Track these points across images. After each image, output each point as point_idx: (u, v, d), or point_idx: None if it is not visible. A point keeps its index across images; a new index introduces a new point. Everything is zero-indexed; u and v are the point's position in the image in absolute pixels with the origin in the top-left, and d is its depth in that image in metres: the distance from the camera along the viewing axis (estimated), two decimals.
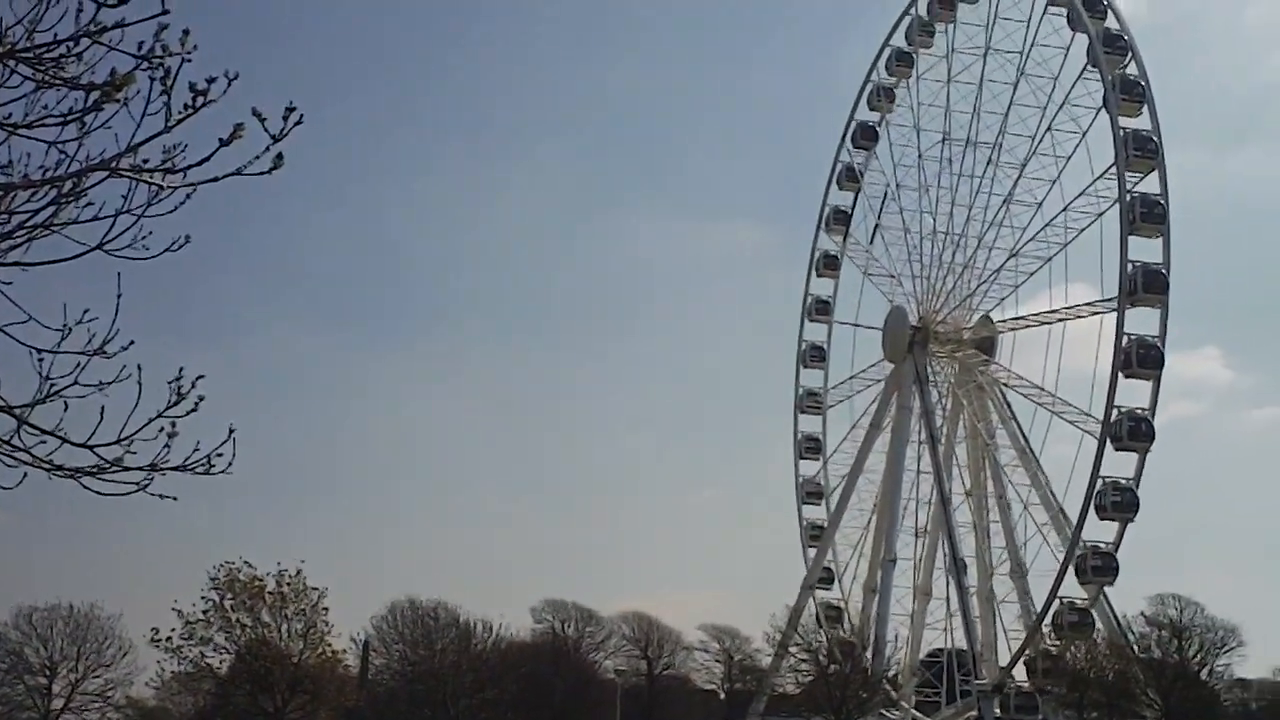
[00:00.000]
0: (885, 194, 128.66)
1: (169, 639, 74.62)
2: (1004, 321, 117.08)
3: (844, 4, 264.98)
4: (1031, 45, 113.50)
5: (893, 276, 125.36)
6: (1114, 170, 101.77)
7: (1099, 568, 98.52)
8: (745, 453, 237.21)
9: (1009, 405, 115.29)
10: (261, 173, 9.78)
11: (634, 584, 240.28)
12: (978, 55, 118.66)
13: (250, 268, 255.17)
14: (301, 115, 9.64)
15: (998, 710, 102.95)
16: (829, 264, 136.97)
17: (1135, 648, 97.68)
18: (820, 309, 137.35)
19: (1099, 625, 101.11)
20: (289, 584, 76.42)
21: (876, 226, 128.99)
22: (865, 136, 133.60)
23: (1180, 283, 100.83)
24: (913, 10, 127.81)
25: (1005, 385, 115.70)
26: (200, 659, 76.45)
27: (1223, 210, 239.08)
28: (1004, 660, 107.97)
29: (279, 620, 76.29)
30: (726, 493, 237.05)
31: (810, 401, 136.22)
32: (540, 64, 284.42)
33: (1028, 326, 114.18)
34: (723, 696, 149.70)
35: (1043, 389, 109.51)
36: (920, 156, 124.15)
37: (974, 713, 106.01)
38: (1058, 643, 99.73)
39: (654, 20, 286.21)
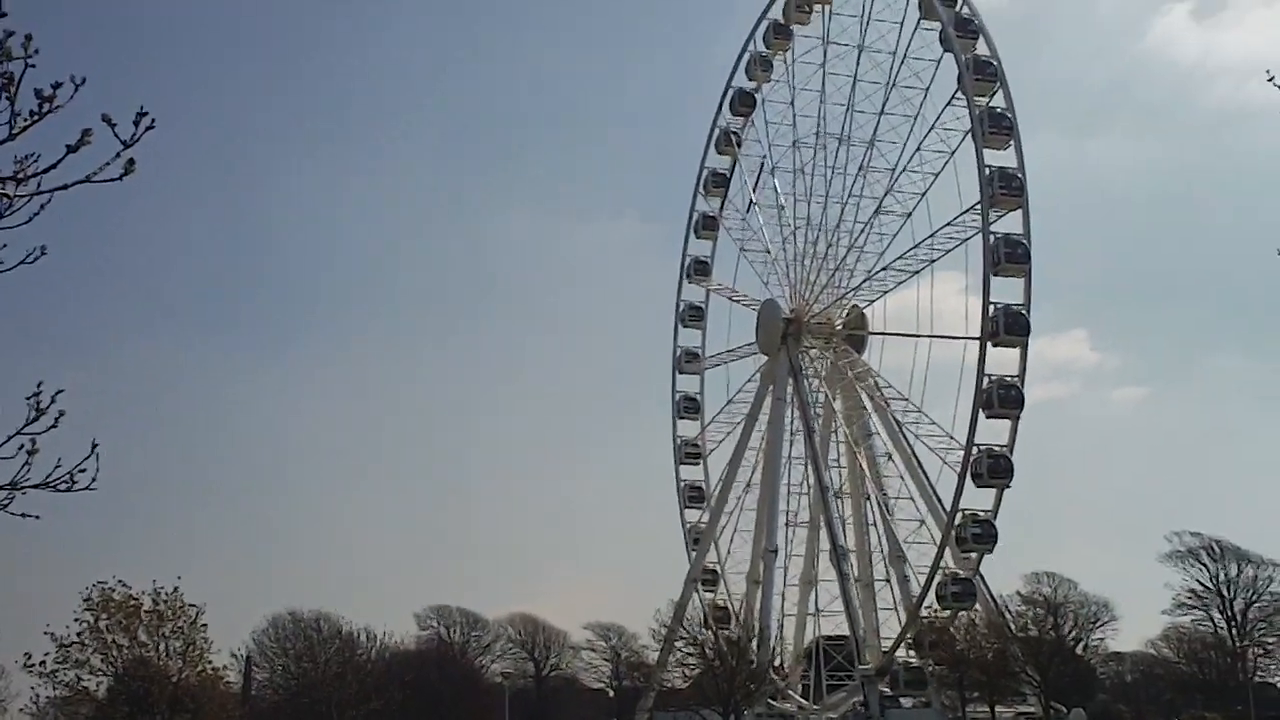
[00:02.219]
0: (760, 168, 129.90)
1: (42, 663, 72.56)
2: (873, 281, 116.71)
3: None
4: (868, 23, 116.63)
5: (767, 251, 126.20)
6: (961, 99, 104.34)
7: (979, 535, 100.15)
8: (626, 451, 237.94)
9: (881, 391, 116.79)
10: (113, 179, 9.57)
11: (518, 587, 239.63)
12: (852, 48, 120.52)
13: (111, 278, 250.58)
14: (153, 120, 9.45)
15: (887, 689, 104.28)
16: (694, 314, 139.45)
17: (1012, 626, 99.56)
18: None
19: (978, 608, 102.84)
20: (165, 602, 74.75)
21: (741, 251, 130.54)
22: (718, 182, 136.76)
23: (1048, 267, 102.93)
24: (751, 47, 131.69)
25: (876, 381, 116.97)
26: (76, 682, 74.38)
27: (1084, 195, 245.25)
28: (887, 645, 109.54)
29: (156, 639, 74.56)
30: (608, 492, 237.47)
31: (689, 450, 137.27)
32: (404, 60, 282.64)
33: (899, 283, 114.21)
34: (611, 694, 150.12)
35: (913, 370, 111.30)
36: (774, 172, 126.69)
37: (859, 697, 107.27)
38: (943, 615, 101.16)
39: (521, 14, 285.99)
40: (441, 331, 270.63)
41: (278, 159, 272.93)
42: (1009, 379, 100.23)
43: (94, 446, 11.25)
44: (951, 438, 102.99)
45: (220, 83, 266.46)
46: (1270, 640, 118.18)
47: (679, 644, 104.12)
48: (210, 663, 77.73)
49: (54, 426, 10.89)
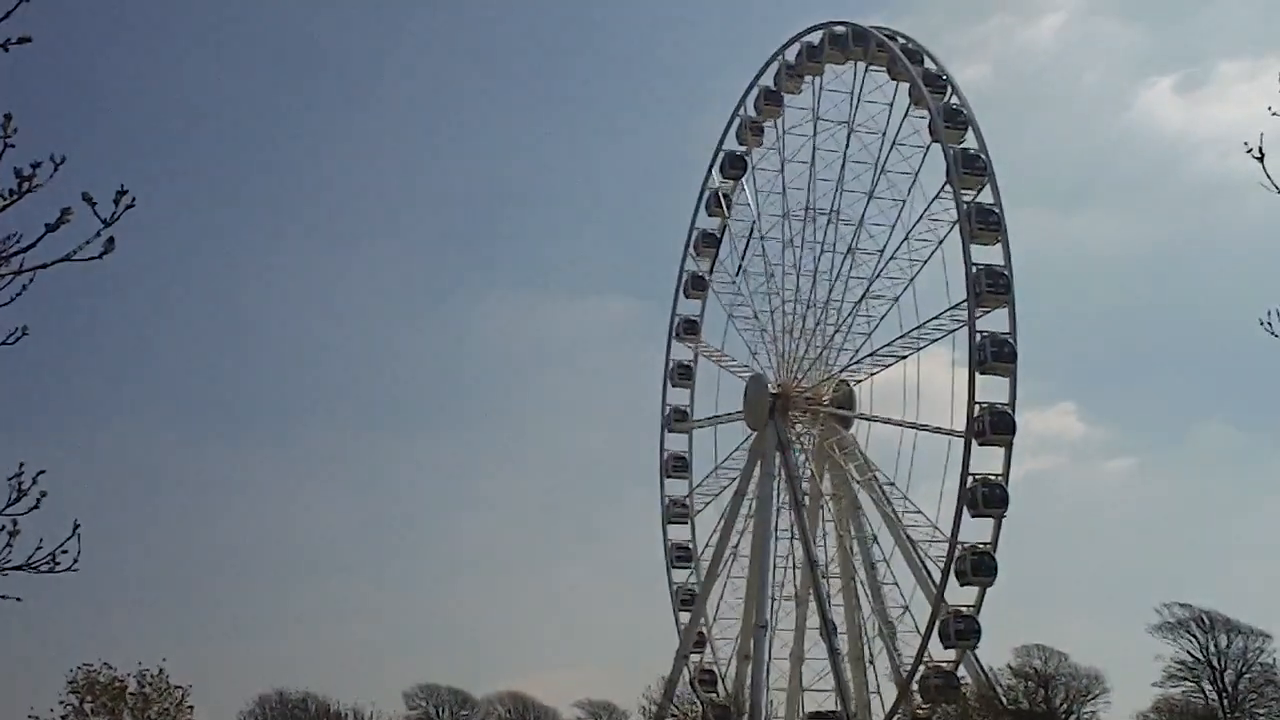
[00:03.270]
0: (735, 285, 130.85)
1: None
2: (859, 365, 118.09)
3: (693, 81, 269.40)
4: (857, 105, 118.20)
5: (747, 365, 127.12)
6: (948, 191, 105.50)
7: (961, 631, 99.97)
8: (614, 529, 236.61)
9: (870, 465, 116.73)
10: (93, 257, 9.65)
11: (507, 664, 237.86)
12: (808, 136, 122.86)
13: (94, 361, 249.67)
14: (133, 199, 9.53)
15: None
16: (683, 373, 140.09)
17: (1004, 700, 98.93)
18: (678, 417, 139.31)
19: (968, 679, 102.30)
20: (151, 684, 74.14)
21: (729, 317, 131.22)
22: (708, 243, 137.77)
23: (1034, 337, 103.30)
24: (742, 111, 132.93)
25: (867, 431, 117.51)
26: None
27: (1071, 267, 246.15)
28: (880, 717, 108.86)
29: None
30: (595, 569, 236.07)
31: (676, 511, 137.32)
32: (388, 144, 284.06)
33: (885, 366, 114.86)
34: None
35: (903, 421, 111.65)
36: (763, 241, 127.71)
37: None
38: (925, 706, 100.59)
39: (500, 97, 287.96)
40: (427, 415, 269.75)
41: (259, 244, 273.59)
42: (993, 478, 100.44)
43: (76, 527, 11.29)
44: (936, 528, 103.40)
45: (201, 166, 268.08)
46: (1261, 711, 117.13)
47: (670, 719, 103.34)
48: None
49: (35, 507, 10.92)
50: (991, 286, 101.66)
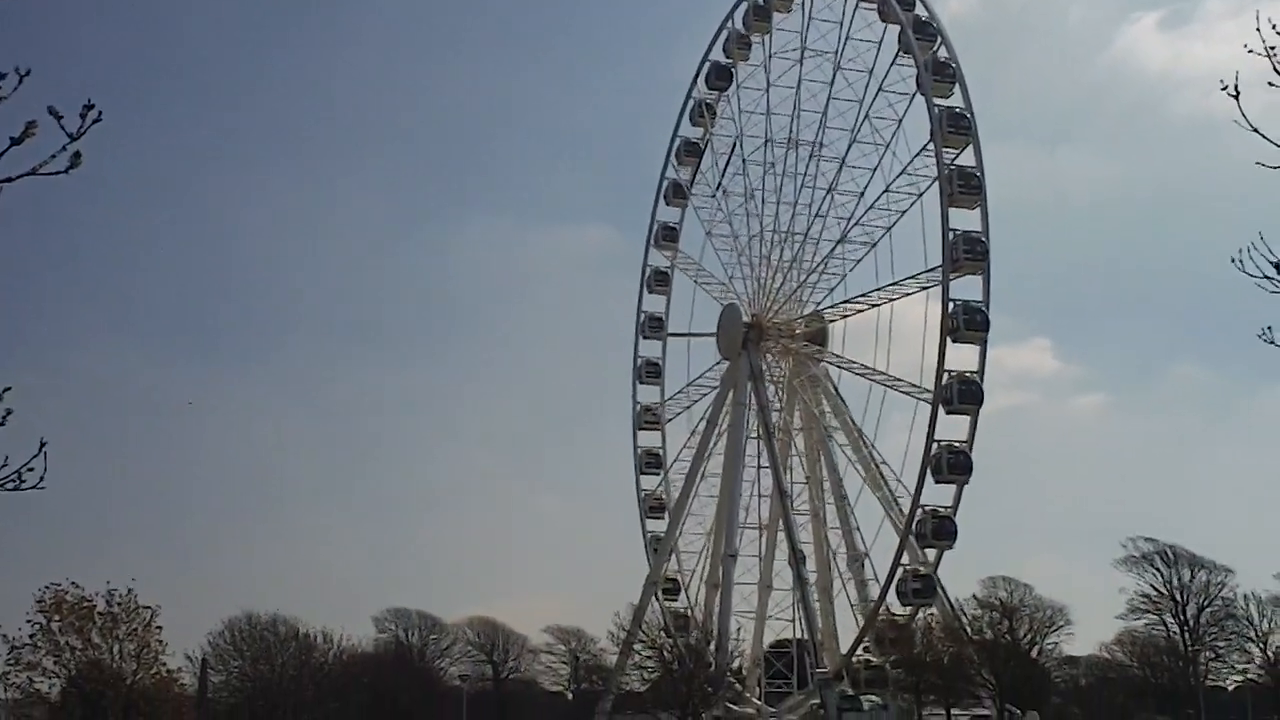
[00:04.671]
0: (713, 202, 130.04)
1: None
2: (834, 308, 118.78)
3: (667, 15, 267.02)
4: (845, 41, 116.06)
5: (724, 284, 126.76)
6: (931, 149, 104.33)
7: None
8: (588, 457, 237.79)
9: (841, 397, 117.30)
10: (59, 172, 9.55)
11: (478, 590, 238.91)
12: (795, 60, 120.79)
13: (65, 281, 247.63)
14: (100, 113, 9.42)
15: (848, 689, 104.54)
16: (660, 280, 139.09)
17: (969, 630, 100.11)
18: (653, 325, 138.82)
19: (934, 612, 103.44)
20: (120, 604, 74.25)
21: (708, 234, 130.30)
22: (690, 152, 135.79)
23: (1011, 274, 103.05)
24: (729, 24, 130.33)
25: (840, 367, 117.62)
26: (29, 685, 73.89)
27: (1051, 205, 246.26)
28: (844, 647, 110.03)
29: (110, 642, 74.04)
30: (568, 497, 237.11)
31: (648, 418, 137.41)
32: (367, 70, 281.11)
33: (858, 310, 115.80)
34: (570, 697, 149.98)
35: (874, 369, 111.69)
36: (745, 163, 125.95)
37: (817, 700, 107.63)
38: (903, 612, 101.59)
39: (483, 23, 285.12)
40: (404, 339, 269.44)
41: (239, 166, 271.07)
42: (958, 444, 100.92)
43: (42, 445, 11.23)
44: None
45: (179, 85, 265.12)
46: (1221, 645, 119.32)
47: (638, 647, 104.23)
48: (165, 665, 77.36)
49: (1, 425, 10.85)
50: (969, 253, 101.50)
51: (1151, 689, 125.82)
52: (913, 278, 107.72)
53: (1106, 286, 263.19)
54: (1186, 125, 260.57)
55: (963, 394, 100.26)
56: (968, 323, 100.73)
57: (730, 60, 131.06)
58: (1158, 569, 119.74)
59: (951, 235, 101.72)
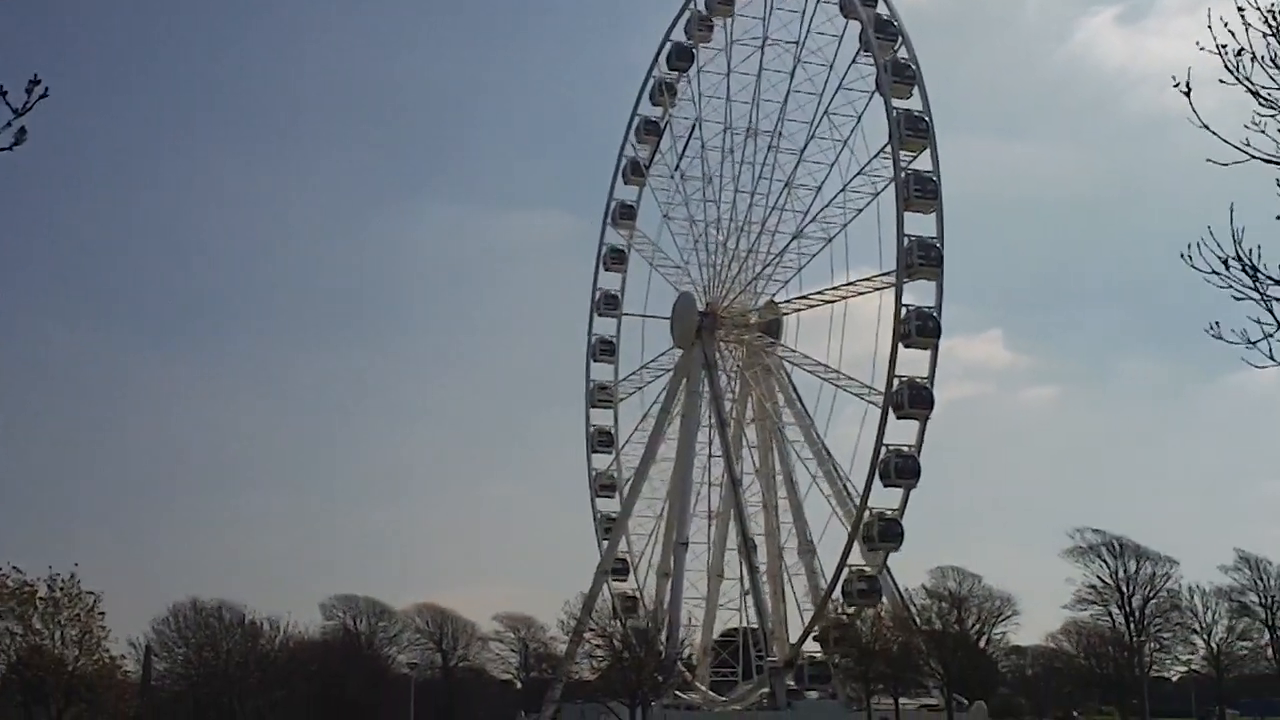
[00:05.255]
0: (671, 185, 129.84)
1: None
2: (789, 303, 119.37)
3: (631, 2, 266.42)
4: (807, 34, 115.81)
5: (679, 267, 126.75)
6: (889, 150, 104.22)
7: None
8: (539, 444, 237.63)
9: (794, 387, 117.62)
10: (3, 148, 9.37)
11: (427, 577, 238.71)
12: (756, 46, 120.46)
13: (10, 257, 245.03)
14: (46, 89, 9.24)
15: (791, 683, 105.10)
16: (616, 258, 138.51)
17: (918, 619, 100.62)
18: (609, 303, 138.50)
19: (885, 601, 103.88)
20: (62, 589, 73.19)
21: (665, 217, 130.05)
22: (649, 130, 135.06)
23: (966, 267, 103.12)
24: (692, 4, 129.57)
25: (791, 364, 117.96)
26: None
27: (1007, 197, 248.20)
28: (795, 637, 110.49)
29: (52, 627, 73.00)
30: (519, 484, 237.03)
31: (601, 395, 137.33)
32: (326, 55, 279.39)
33: (811, 306, 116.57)
34: (519, 686, 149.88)
35: (827, 365, 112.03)
36: (704, 148, 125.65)
37: (767, 689, 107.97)
38: (849, 612, 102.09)
39: (442, 11, 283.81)
40: (356, 325, 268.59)
41: (197, 149, 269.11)
42: (906, 449, 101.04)
43: None
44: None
45: (127, 64, 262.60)
46: (1166, 635, 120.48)
47: (588, 636, 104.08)
48: (108, 651, 76.25)
49: None
50: (923, 259, 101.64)
51: (1097, 679, 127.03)
52: (867, 280, 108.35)
53: (1060, 279, 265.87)
54: (1142, 121, 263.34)
55: (913, 399, 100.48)
56: (920, 329, 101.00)
57: (691, 41, 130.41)
58: (1104, 560, 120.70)
59: (906, 241, 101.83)
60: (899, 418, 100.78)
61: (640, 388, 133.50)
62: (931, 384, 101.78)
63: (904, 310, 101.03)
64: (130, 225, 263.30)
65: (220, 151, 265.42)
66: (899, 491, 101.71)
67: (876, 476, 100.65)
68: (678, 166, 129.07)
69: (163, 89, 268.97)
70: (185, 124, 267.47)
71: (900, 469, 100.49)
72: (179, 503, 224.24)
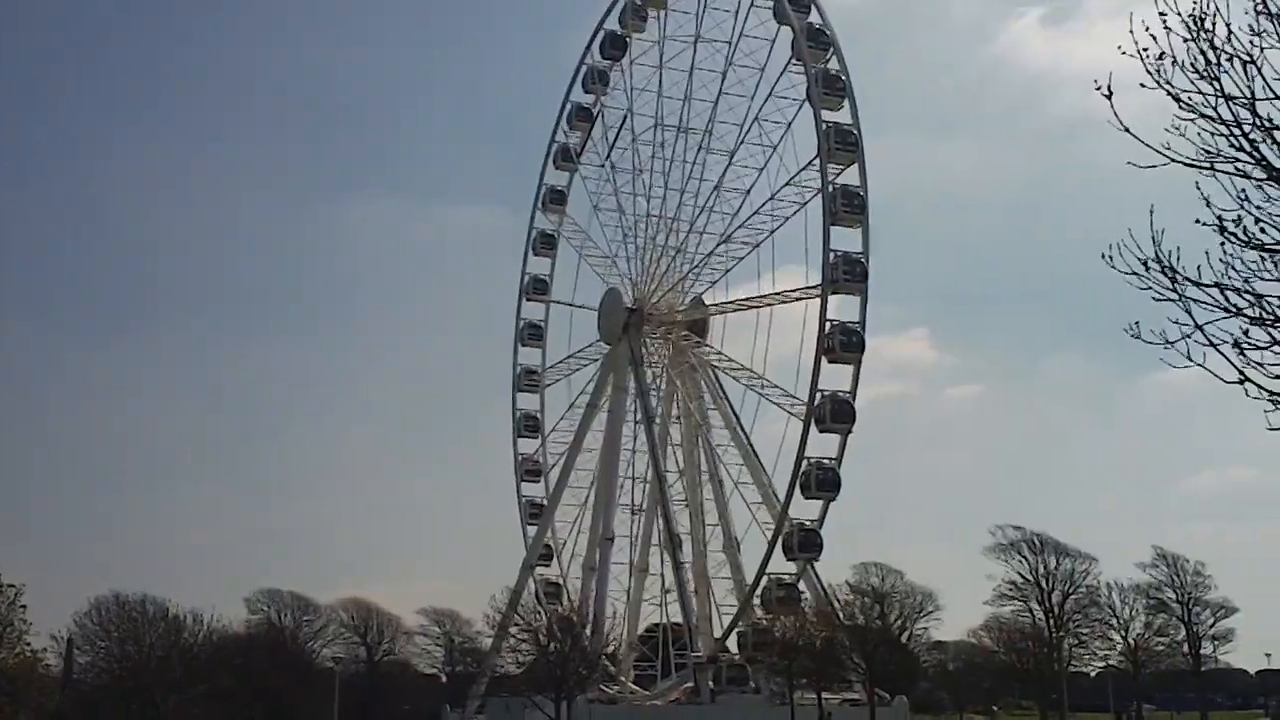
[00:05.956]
0: (601, 174, 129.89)
1: None
2: (715, 305, 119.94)
3: None
4: (740, 36, 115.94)
5: (608, 257, 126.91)
6: (817, 162, 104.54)
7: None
8: (465, 439, 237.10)
9: (721, 386, 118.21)
10: None
11: (352, 571, 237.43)
12: (689, 43, 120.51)
13: None
14: None
15: (711, 682, 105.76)
16: (546, 243, 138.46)
17: (840, 615, 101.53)
18: (538, 288, 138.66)
19: (807, 595, 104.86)
20: None
21: (595, 207, 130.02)
22: (581, 117, 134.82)
23: (892, 266, 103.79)
24: None
25: (716, 367, 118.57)
26: None
27: (932, 196, 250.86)
28: (719, 633, 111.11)
29: None
30: (447, 478, 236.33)
31: (528, 380, 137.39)
32: (260, 38, 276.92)
33: (737, 310, 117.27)
34: (444, 680, 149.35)
35: (751, 371, 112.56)
36: (634, 140, 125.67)
37: (690, 684, 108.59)
38: (767, 617, 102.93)
39: (377, 6, 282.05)
40: (285, 317, 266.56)
41: (128, 137, 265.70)
42: (827, 462, 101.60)
43: None
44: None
45: (55, 49, 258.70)
46: (1084, 631, 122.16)
47: (513, 630, 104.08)
48: (29, 646, 75.52)
49: None
50: (849, 274, 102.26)
51: (1017, 674, 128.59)
52: (792, 290, 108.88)
53: (984, 279, 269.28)
54: (1065, 123, 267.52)
55: (835, 414, 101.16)
56: (844, 344, 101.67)
57: (625, 31, 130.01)
58: (1024, 557, 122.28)
59: (832, 256, 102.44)
60: (820, 431, 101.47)
61: (568, 375, 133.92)
62: (854, 398, 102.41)
63: (828, 325, 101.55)
64: (64, 217, 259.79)
65: (159, 145, 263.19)
66: (818, 503, 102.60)
67: (797, 488, 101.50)
68: (608, 156, 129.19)
69: (104, 81, 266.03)
70: (125, 117, 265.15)
71: (821, 482, 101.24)
72: (104, 495, 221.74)
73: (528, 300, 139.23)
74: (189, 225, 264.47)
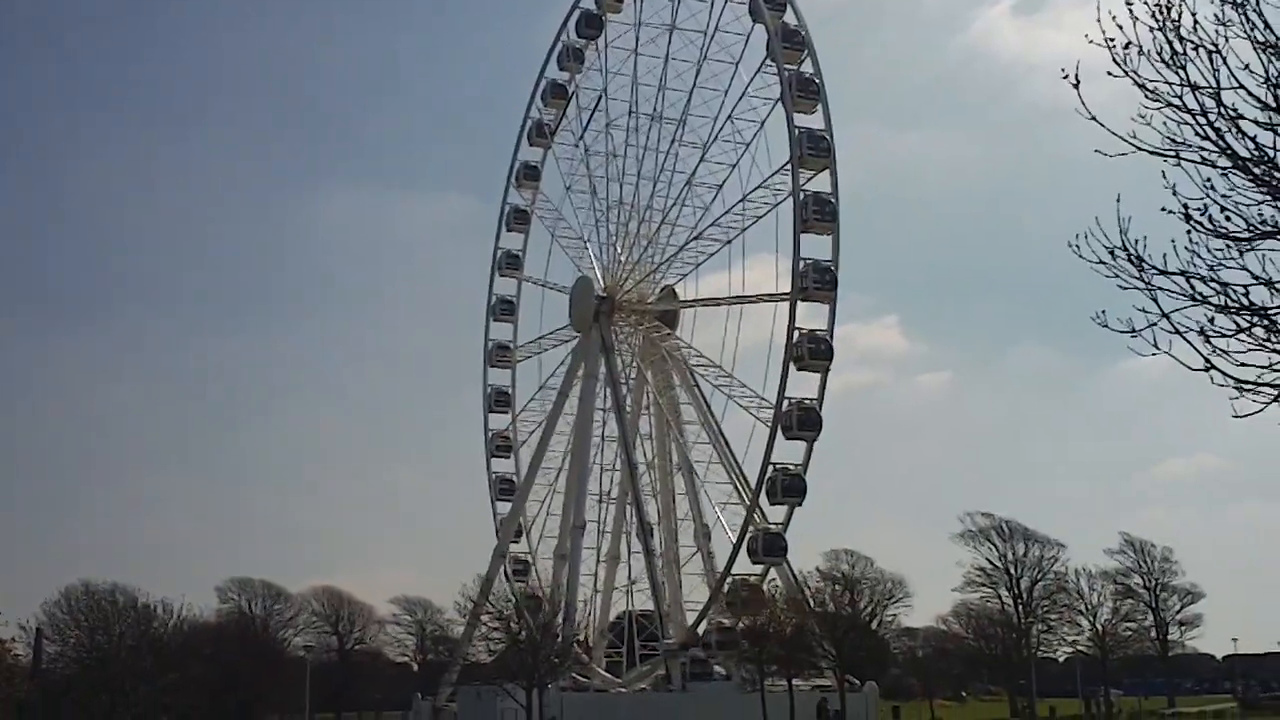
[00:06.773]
0: (575, 155, 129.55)
1: None
2: (685, 301, 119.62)
3: None
4: (716, 30, 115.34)
5: (580, 239, 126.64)
6: (789, 167, 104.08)
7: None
8: (437, 428, 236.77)
9: (693, 376, 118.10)
10: None
11: (324, 560, 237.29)
12: (663, 30, 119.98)
13: None
14: None
15: (700, 654, 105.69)
16: (519, 218, 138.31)
17: (811, 602, 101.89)
18: (510, 262, 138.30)
19: (778, 583, 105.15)
20: None
21: (568, 189, 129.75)
22: (556, 95, 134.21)
23: (863, 254, 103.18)
24: None
25: (686, 362, 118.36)
26: None
27: (903, 185, 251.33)
28: (690, 620, 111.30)
29: None
30: (419, 467, 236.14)
31: (499, 355, 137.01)
32: (227, 38, 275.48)
33: (707, 306, 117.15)
34: (416, 668, 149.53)
35: (720, 368, 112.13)
36: (609, 124, 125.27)
37: (662, 671, 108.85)
38: (730, 620, 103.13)
39: None
40: (256, 306, 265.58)
41: (93, 125, 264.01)
42: (793, 468, 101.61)
43: None
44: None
45: (19, 39, 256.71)
46: (1053, 617, 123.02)
47: (485, 618, 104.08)
48: None
49: None
50: (818, 283, 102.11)
51: (986, 660, 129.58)
52: (764, 295, 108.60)
53: (954, 267, 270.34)
54: (1035, 112, 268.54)
55: (802, 422, 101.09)
56: (812, 352, 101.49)
57: (600, 10, 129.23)
58: (993, 543, 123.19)
59: (802, 264, 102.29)
60: (787, 439, 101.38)
61: (539, 353, 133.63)
62: (821, 406, 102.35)
63: (796, 334, 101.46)
64: (32, 206, 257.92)
65: (127, 135, 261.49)
66: (784, 509, 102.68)
67: (764, 493, 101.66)
68: (581, 137, 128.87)
69: (68, 72, 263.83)
70: (92, 107, 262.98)
71: (787, 488, 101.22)
72: (74, 484, 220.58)
73: (500, 275, 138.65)
74: (160, 215, 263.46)
